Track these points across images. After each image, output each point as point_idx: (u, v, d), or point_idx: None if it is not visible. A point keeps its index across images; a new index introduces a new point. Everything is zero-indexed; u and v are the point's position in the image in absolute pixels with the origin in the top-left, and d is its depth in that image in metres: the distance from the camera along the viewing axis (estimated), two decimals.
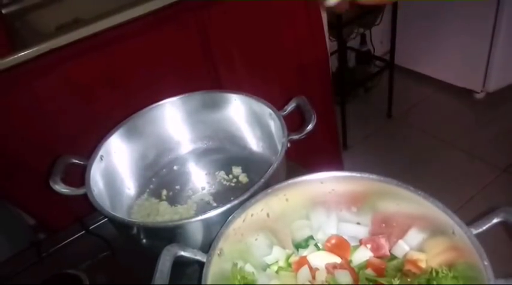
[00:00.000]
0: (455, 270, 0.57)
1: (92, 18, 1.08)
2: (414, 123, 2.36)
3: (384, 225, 0.66)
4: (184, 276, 0.76)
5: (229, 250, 0.60)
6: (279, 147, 0.77)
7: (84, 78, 1.10)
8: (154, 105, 0.90)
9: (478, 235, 0.54)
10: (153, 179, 0.94)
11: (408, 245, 0.63)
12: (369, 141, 2.34)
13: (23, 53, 0.99)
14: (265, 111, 0.84)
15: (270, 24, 1.35)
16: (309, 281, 0.63)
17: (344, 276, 0.61)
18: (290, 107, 0.84)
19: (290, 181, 0.65)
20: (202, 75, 1.28)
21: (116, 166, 0.87)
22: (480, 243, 0.53)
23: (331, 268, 0.63)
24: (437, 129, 2.25)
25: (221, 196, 0.89)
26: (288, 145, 0.76)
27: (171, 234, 0.70)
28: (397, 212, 0.64)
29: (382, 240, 0.65)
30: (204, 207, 0.87)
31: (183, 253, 0.59)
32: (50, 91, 1.06)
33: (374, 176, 0.62)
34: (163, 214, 0.86)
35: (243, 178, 0.91)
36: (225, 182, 0.91)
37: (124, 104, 0.91)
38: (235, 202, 0.66)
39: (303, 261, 0.65)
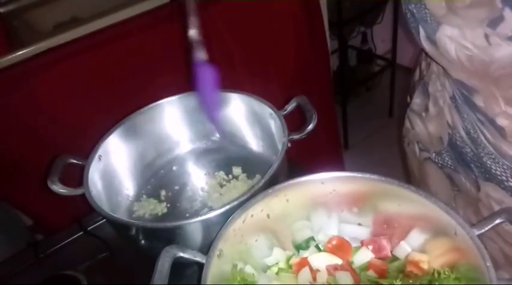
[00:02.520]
0: (457, 271, 0.56)
1: (89, 17, 1.08)
2: None
3: (385, 226, 0.66)
4: (183, 278, 0.75)
5: (229, 251, 0.60)
6: (280, 147, 0.76)
7: (82, 77, 1.09)
8: (153, 104, 0.90)
9: (480, 236, 0.53)
10: (152, 180, 0.93)
11: (410, 246, 0.63)
12: (370, 141, 2.33)
13: (20, 52, 0.99)
14: (266, 110, 0.83)
15: (271, 23, 1.34)
16: (310, 283, 0.62)
17: (345, 278, 0.61)
18: (290, 106, 0.83)
19: (290, 182, 0.64)
20: None
21: (115, 166, 0.86)
22: (483, 244, 0.52)
23: (332, 269, 0.63)
24: None
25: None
26: (289, 145, 0.76)
27: (170, 235, 0.69)
28: (398, 213, 0.63)
29: (384, 242, 0.64)
30: (204, 208, 0.86)
31: (182, 254, 0.58)
32: (48, 90, 1.06)
33: (375, 177, 0.62)
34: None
35: (243, 178, 0.90)
36: (224, 183, 0.90)
37: (122, 103, 0.90)
38: (235, 202, 0.65)
39: (303, 262, 0.64)
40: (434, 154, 0.83)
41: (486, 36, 0.56)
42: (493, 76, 0.60)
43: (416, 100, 0.84)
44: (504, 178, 0.69)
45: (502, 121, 0.64)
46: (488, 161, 0.70)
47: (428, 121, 0.81)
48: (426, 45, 0.66)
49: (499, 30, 0.55)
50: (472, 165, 0.74)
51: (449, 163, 0.80)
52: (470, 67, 0.62)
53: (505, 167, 0.68)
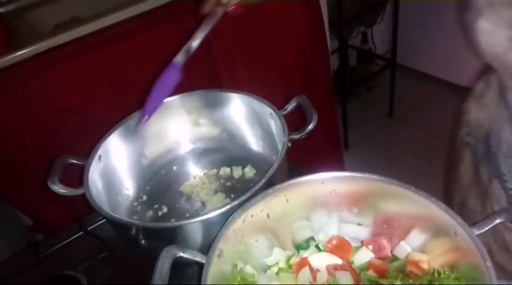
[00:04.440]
0: (457, 271, 0.56)
1: (90, 17, 1.07)
2: (416, 122, 2.35)
3: (385, 226, 0.66)
4: (184, 278, 0.75)
5: (229, 251, 0.60)
6: (280, 147, 0.76)
7: (82, 77, 1.09)
8: None
9: (480, 236, 0.53)
10: (152, 180, 0.93)
11: (410, 246, 0.63)
12: (370, 141, 2.33)
13: (20, 52, 0.99)
14: (266, 110, 0.83)
15: (271, 23, 1.34)
16: (310, 283, 0.62)
17: (345, 278, 0.61)
18: (291, 106, 0.83)
19: (291, 181, 0.64)
20: (202, 74, 1.28)
21: (115, 166, 0.86)
22: (482, 244, 0.52)
23: (332, 269, 0.63)
24: (439, 128, 2.24)
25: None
26: (289, 144, 0.76)
27: (170, 235, 0.69)
28: (398, 213, 0.63)
29: (384, 241, 0.64)
30: (204, 208, 0.86)
31: (182, 254, 0.58)
32: (48, 90, 1.06)
33: (375, 177, 0.62)
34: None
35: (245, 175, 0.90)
36: (224, 182, 0.90)
37: (122, 103, 0.90)
38: (235, 202, 0.65)
39: (303, 262, 0.64)
40: (474, 142, 0.83)
41: (509, 39, 0.57)
42: None
43: (479, 87, 0.83)
44: (506, 178, 0.70)
45: None
46: (501, 158, 0.71)
47: (480, 109, 0.81)
48: (470, 32, 0.66)
49: None
50: (492, 159, 0.75)
51: (479, 153, 0.81)
52: (495, 63, 0.63)
53: (510, 168, 0.69)
